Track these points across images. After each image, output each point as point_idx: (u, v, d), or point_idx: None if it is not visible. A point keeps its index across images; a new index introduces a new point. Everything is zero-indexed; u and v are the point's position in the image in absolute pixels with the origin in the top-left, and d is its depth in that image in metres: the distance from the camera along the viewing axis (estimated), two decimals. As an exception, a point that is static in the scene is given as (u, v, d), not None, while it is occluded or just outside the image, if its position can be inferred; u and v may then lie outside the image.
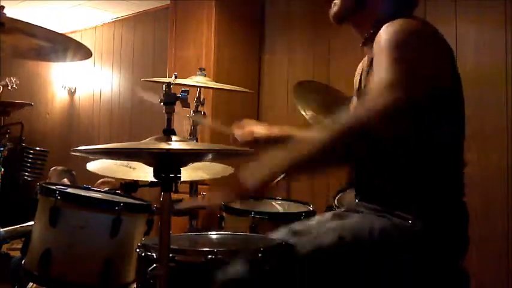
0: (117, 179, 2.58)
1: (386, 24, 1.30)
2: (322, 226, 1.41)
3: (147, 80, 2.78)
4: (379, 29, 1.32)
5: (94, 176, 3.56)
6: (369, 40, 1.43)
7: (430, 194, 1.32)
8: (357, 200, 1.46)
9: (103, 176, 2.52)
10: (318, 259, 1.28)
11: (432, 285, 1.31)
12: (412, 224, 1.27)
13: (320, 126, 1.25)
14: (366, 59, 1.52)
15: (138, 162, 1.88)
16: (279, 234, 1.60)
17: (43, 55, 2.05)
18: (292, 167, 1.21)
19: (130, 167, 2.10)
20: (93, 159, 2.13)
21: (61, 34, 1.84)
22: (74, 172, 4.32)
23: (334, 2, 1.48)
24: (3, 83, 3.54)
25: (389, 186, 1.36)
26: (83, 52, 1.89)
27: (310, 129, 1.29)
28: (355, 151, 1.28)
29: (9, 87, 3.55)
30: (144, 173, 1.98)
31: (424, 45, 1.28)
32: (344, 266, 1.28)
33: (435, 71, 1.28)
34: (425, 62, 1.24)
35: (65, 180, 4.13)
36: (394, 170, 1.36)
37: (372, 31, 1.42)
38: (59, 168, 4.39)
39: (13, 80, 3.56)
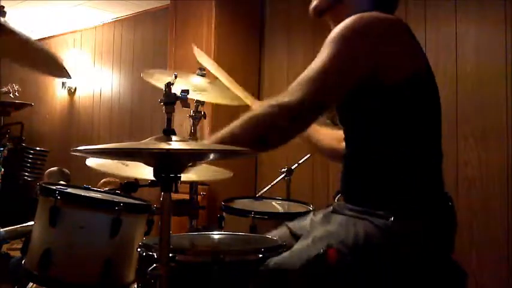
0: (117, 176, 2.57)
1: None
2: (312, 230, 1.42)
3: (146, 80, 2.77)
4: None
5: (94, 176, 3.57)
6: None
7: (409, 189, 1.33)
8: (343, 201, 1.47)
9: (103, 173, 2.51)
10: (309, 271, 1.26)
11: (425, 281, 1.30)
12: (393, 223, 1.27)
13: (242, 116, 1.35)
14: None
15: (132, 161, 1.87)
16: (278, 233, 1.61)
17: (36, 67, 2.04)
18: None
19: (125, 165, 2.09)
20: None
21: (48, 52, 1.83)
22: (65, 170, 4.29)
23: None
24: (4, 89, 3.56)
25: (368, 185, 1.37)
26: (61, 72, 1.88)
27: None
28: (268, 139, 1.34)
29: (11, 95, 3.57)
30: (140, 169, 1.97)
31: (370, 36, 1.31)
32: (334, 274, 1.27)
33: (384, 62, 1.30)
34: (364, 54, 1.30)
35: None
36: (371, 170, 1.37)
37: None
38: (51, 169, 4.36)
39: (15, 87, 3.57)
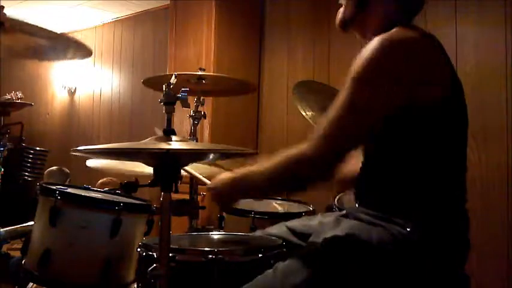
0: (115, 176, 2.55)
1: (374, 39, 1.29)
2: (322, 233, 1.41)
3: (147, 80, 2.77)
4: None
5: (94, 176, 3.57)
6: None
7: (430, 201, 1.31)
8: (356, 205, 1.45)
9: (103, 173, 2.51)
10: (317, 274, 1.26)
11: None
12: (410, 233, 1.25)
13: (262, 164, 1.38)
14: None
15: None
16: (276, 231, 1.61)
17: (42, 54, 2.04)
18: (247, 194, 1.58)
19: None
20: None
21: (61, 34, 1.83)
22: (65, 169, 4.29)
23: (338, 10, 1.49)
24: (8, 97, 3.57)
25: (387, 193, 1.35)
26: (83, 51, 1.86)
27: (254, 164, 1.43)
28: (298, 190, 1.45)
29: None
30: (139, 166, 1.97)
31: (393, 70, 1.25)
32: (343, 279, 1.26)
33: (415, 86, 1.26)
34: (385, 94, 1.25)
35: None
36: (393, 176, 1.35)
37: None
38: (51, 169, 4.36)
39: (18, 94, 3.59)
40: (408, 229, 1.25)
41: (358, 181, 1.45)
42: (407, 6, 1.43)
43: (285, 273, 1.27)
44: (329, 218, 1.52)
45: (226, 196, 1.50)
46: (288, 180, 1.34)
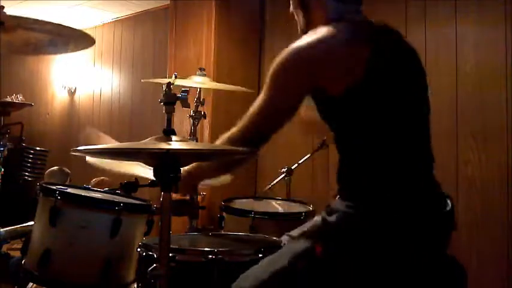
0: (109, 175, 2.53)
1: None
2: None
3: (147, 80, 2.78)
4: None
5: (94, 176, 3.57)
6: None
7: (392, 184, 1.36)
8: (338, 198, 1.49)
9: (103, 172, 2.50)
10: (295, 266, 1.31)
11: (416, 278, 1.31)
12: (378, 220, 1.31)
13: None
14: None
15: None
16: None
17: (43, 49, 2.02)
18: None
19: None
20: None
21: (61, 25, 1.81)
22: (66, 169, 4.28)
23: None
24: (8, 99, 3.58)
25: (354, 181, 1.41)
26: (85, 41, 1.84)
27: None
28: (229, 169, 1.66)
29: None
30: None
31: (298, 69, 1.49)
32: (320, 268, 1.30)
33: (320, 82, 1.42)
34: (293, 89, 1.48)
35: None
36: (352, 166, 1.42)
37: None
38: (52, 169, 4.35)
39: (19, 96, 3.60)
40: (374, 215, 1.31)
41: (337, 175, 1.50)
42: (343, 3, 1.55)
43: (268, 262, 1.34)
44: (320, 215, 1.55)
45: (184, 186, 1.65)
46: (226, 159, 1.57)
